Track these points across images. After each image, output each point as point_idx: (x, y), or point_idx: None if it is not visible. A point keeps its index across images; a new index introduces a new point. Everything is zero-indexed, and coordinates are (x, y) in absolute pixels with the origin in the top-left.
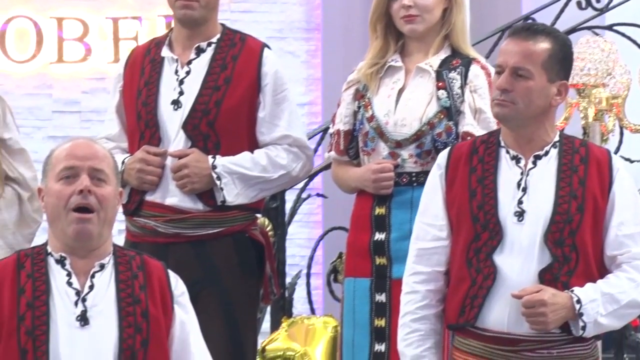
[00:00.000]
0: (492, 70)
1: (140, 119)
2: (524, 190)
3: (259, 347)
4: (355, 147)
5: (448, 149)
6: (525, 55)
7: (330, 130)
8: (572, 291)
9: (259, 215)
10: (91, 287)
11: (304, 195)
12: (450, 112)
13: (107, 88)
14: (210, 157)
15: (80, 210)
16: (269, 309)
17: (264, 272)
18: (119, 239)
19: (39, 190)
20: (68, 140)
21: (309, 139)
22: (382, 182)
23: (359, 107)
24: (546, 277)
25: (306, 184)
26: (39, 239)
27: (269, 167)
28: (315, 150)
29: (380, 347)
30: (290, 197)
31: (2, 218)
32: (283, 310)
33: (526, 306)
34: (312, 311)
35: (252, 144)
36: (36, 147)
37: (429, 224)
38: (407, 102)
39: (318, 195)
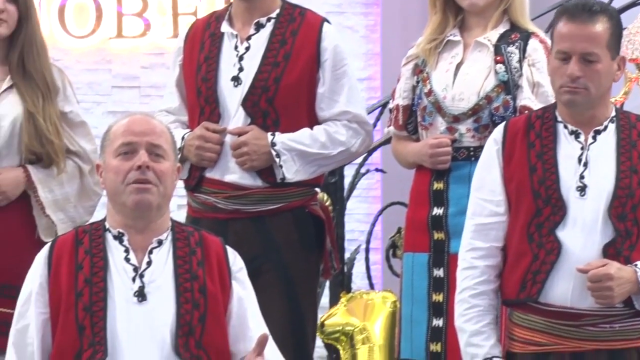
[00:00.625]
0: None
1: (200, 94)
2: (585, 165)
3: (319, 321)
4: (414, 122)
5: (503, 124)
6: (590, 39)
7: (390, 105)
8: (635, 265)
9: (318, 190)
10: (149, 263)
11: (362, 170)
12: (508, 86)
13: (166, 63)
14: (269, 134)
15: (139, 183)
16: (327, 283)
17: (324, 247)
18: (178, 215)
19: (97, 166)
20: (126, 115)
21: (368, 114)
22: (440, 156)
23: (417, 82)
24: (610, 251)
25: (365, 159)
26: (98, 214)
27: (327, 143)
28: (374, 125)
29: (438, 322)
30: (349, 172)
31: (63, 191)
32: (342, 285)
33: (592, 280)
34: (371, 286)
35: (312, 120)
36: (96, 122)
37: (486, 199)
38: (465, 76)
39: (377, 170)
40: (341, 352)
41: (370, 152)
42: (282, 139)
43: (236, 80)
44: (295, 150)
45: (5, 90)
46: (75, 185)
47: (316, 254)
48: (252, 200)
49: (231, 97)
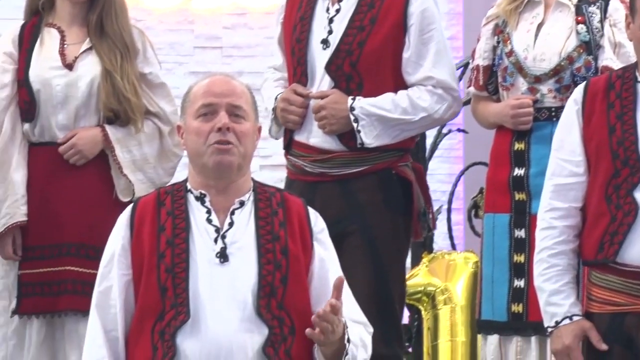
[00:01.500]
0: None
1: (293, 54)
2: None
3: None
4: (494, 82)
5: (583, 84)
6: None
7: (470, 66)
8: None
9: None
10: (231, 224)
11: (444, 131)
12: (590, 47)
13: (248, 24)
14: (349, 98)
15: (220, 144)
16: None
17: (412, 209)
18: (260, 175)
19: (178, 127)
20: (206, 76)
21: None
22: (521, 117)
23: (498, 42)
24: None
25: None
26: (179, 175)
27: (409, 109)
28: None
29: (520, 283)
30: (430, 133)
31: (142, 152)
32: (424, 245)
33: None
34: (453, 247)
35: (399, 85)
36: (177, 82)
37: (566, 159)
38: (546, 36)
39: (459, 130)
40: (423, 312)
41: None
42: (361, 104)
43: (325, 43)
44: (375, 115)
45: (84, 51)
46: (154, 146)
47: (403, 215)
48: (336, 164)
49: (319, 60)
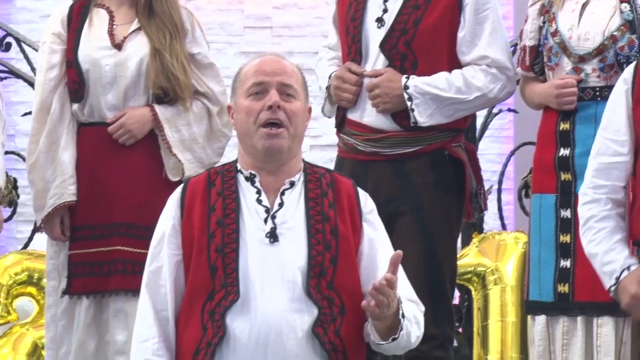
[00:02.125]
0: None
1: (348, 33)
2: None
3: None
4: (540, 62)
5: (634, 63)
6: None
7: (519, 46)
8: None
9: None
10: (281, 205)
11: (495, 110)
12: (633, 25)
13: (298, 3)
14: (404, 77)
15: (270, 125)
16: None
17: (465, 189)
18: (310, 155)
19: (229, 107)
20: (257, 56)
21: None
22: (565, 97)
23: (543, 22)
24: None
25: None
26: (230, 155)
27: (464, 88)
28: None
29: (566, 263)
30: (481, 113)
31: (191, 132)
32: (474, 226)
33: None
34: (503, 227)
35: (453, 64)
36: (227, 62)
37: (610, 139)
38: (590, 16)
39: (509, 110)
40: (473, 293)
41: None
42: (416, 83)
43: (380, 21)
44: (430, 94)
45: (132, 32)
46: (203, 126)
47: (456, 196)
48: (389, 143)
49: (373, 39)
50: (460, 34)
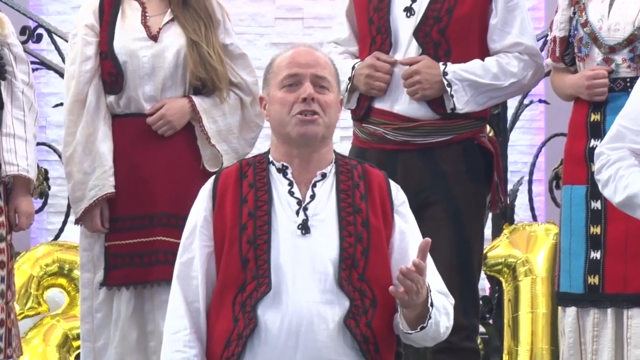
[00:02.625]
0: None
1: (372, 24)
2: None
3: None
4: (571, 53)
5: None
6: None
7: (549, 37)
8: None
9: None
10: (312, 197)
11: (526, 102)
12: None
13: None
14: (441, 64)
15: (305, 114)
16: (490, 215)
17: (492, 180)
18: (341, 146)
19: (261, 98)
20: (290, 47)
21: None
22: (597, 88)
23: (574, 13)
24: None
25: (528, 90)
26: (261, 146)
27: (500, 74)
28: None
29: (596, 255)
30: (512, 104)
31: (227, 122)
32: (505, 217)
33: None
34: (534, 218)
35: (483, 52)
36: (258, 54)
37: (626, 127)
38: (620, 6)
39: (540, 101)
40: (504, 284)
41: None
42: (454, 69)
43: (409, 11)
44: (467, 80)
45: (166, 23)
46: (237, 116)
47: (484, 186)
48: (421, 132)
49: (403, 28)
50: (493, 22)
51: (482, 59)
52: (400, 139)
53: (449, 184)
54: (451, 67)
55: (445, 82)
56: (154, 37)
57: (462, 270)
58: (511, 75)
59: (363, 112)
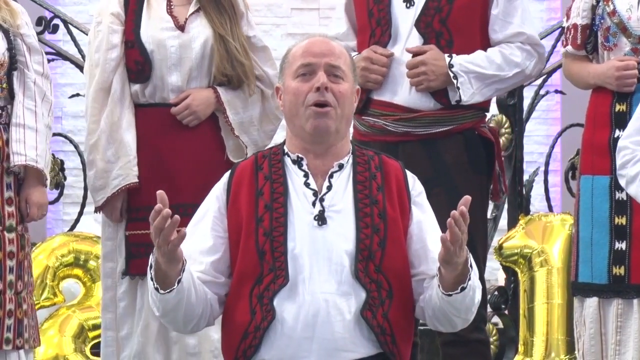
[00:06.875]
0: None
1: (371, 16)
2: None
3: (497, 244)
4: (592, 42)
5: None
6: None
7: (565, 24)
8: None
9: (487, 114)
10: (329, 188)
11: (542, 92)
12: None
13: None
14: (446, 55)
15: (318, 106)
16: (506, 206)
17: (494, 170)
18: None
19: (277, 89)
20: (305, 37)
21: (548, 35)
22: (627, 79)
23: (597, 2)
24: None
25: (544, 81)
26: (277, 138)
27: (503, 65)
28: (554, 46)
29: (621, 245)
30: (528, 94)
31: (248, 114)
32: (520, 207)
33: None
34: (550, 208)
35: (485, 43)
36: (274, 44)
37: None
38: None
39: (556, 91)
40: (519, 274)
41: (549, 74)
42: (459, 61)
43: (409, 1)
44: (473, 72)
45: (192, 13)
46: (257, 108)
47: (486, 176)
48: (422, 123)
49: (403, 19)
50: (494, 12)
51: (485, 50)
52: (402, 130)
53: (451, 175)
54: (457, 59)
55: (452, 75)
56: (181, 27)
57: None
58: (515, 66)
59: (361, 105)
